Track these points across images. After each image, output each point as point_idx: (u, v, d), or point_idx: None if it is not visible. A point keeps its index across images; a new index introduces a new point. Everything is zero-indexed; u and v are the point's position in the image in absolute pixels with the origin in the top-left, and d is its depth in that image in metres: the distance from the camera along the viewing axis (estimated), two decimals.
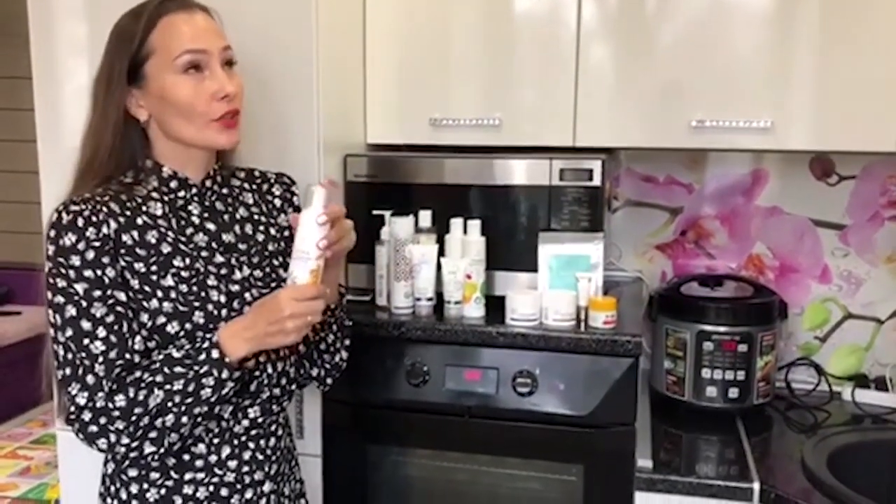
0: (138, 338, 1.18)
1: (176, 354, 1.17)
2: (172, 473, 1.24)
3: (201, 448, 1.24)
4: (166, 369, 1.15)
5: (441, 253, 1.63)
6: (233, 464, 1.26)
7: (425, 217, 1.64)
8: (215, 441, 1.25)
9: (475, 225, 1.63)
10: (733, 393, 1.75)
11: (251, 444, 1.28)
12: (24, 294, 3.99)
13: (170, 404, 1.14)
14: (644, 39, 1.70)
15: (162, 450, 1.17)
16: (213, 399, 1.16)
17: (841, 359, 1.98)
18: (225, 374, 1.16)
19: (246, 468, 1.27)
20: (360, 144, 1.83)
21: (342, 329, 1.41)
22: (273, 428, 1.32)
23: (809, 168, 1.94)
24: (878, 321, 1.95)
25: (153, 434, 1.15)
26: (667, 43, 1.69)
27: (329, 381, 1.44)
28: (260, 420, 1.29)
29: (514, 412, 1.54)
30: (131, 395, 1.14)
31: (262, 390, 1.28)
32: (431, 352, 1.58)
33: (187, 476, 1.24)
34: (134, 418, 1.14)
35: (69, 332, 1.15)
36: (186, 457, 1.24)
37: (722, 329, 1.75)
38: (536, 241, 1.64)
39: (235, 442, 1.26)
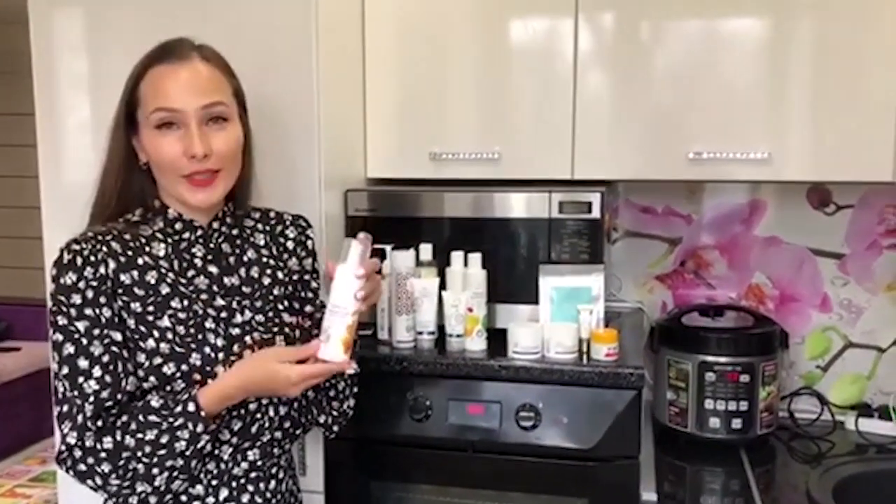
0: (132, 378, 1.18)
1: (154, 403, 1.16)
2: None
3: (199, 489, 1.23)
4: (141, 417, 1.15)
5: (442, 286, 1.64)
6: None
7: (426, 250, 1.65)
8: (213, 482, 1.24)
9: (476, 258, 1.64)
10: (736, 423, 1.75)
11: (250, 487, 1.27)
12: (25, 330, 3.98)
13: (139, 453, 1.13)
14: (640, 72, 1.72)
15: (154, 490, 1.17)
16: (188, 452, 1.15)
17: (843, 388, 1.97)
18: (200, 428, 1.14)
19: None
20: (360, 179, 1.85)
21: (353, 377, 1.40)
22: (274, 471, 1.30)
23: (807, 198, 1.95)
24: (880, 350, 1.95)
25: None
26: (663, 75, 1.71)
27: (335, 428, 1.43)
28: (259, 463, 1.28)
29: (517, 446, 1.53)
30: (118, 438, 1.14)
31: (263, 433, 1.27)
32: (434, 386, 1.57)
33: None
34: (122, 462, 1.14)
35: (66, 370, 1.16)
36: (184, 498, 1.23)
37: (723, 359, 1.75)
38: (537, 273, 1.64)
39: (234, 484, 1.25)
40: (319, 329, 1.25)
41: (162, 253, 1.25)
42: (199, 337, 1.21)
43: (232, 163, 1.25)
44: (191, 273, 1.26)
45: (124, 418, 1.15)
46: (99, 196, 1.26)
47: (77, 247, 1.18)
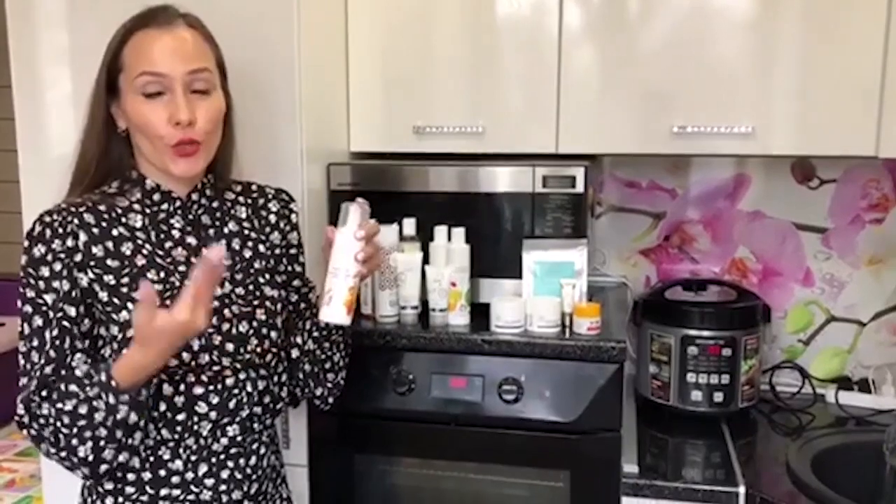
0: (78, 355, 1.16)
1: (77, 372, 1.14)
2: (148, 489, 1.22)
3: (178, 464, 1.23)
4: (62, 386, 1.13)
5: (426, 261, 1.63)
6: (210, 482, 1.24)
7: (409, 225, 1.64)
8: (192, 458, 1.23)
9: (459, 232, 1.63)
10: (718, 397, 1.76)
11: (230, 463, 1.26)
12: (7, 305, 3.94)
13: (59, 423, 1.12)
14: (625, 46, 1.70)
15: (81, 461, 1.13)
16: (108, 423, 1.10)
17: (824, 361, 1.99)
18: (112, 399, 1.10)
19: (223, 487, 1.25)
20: (343, 153, 1.83)
21: (348, 347, 1.41)
22: (255, 446, 1.29)
23: (791, 172, 1.95)
24: (861, 323, 1.97)
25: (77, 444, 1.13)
26: (648, 49, 1.70)
27: (330, 399, 1.43)
28: (240, 439, 1.26)
29: (500, 420, 1.54)
30: (48, 408, 1.13)
31: (242, 408, 1.26)
32: (417, 360, 1.57)
33: (163, 492, 1.22)
34: (52, 429, 1.13)
35: (27, 342, 1.17)
36: (162, 472, 1.22)
37: (706, 333, 1.76)
38: (520, 247, 1.64)
39: (213, 460, 1.24)
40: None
41: (139, 224, 1.23)
42: None
43: (213, 135, 1.23)
44: (168, 244, 1.24)
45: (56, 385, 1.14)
46: (79, 161, 1.25)
47: (48, 218, 1.17)
